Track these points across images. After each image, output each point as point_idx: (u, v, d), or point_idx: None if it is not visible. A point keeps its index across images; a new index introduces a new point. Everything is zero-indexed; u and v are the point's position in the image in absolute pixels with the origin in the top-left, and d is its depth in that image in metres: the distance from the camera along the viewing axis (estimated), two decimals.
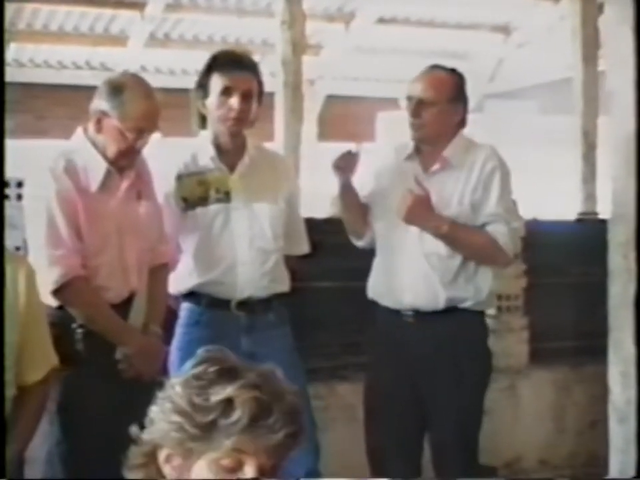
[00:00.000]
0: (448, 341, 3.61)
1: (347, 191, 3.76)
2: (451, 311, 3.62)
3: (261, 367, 1.80)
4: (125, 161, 3.30)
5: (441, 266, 3.60)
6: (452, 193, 3.60)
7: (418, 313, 3.61)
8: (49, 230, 3.19)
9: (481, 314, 3.75)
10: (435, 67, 3.70)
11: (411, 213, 3.51)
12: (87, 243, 3.25)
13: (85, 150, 3.29)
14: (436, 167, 3.63)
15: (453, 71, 3.70)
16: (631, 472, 4.04)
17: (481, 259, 3.63)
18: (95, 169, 3.27)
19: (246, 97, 3.52)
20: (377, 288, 3.73)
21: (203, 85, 3.57)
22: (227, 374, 1.75)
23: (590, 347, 4.88)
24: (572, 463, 5.16)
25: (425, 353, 3.60)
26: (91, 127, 3.28)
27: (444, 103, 3.61)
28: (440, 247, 3.58)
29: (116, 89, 3.24)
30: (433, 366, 3.61)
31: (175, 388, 1.77)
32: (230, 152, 3.61)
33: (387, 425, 3.67)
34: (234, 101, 3.50)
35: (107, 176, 3.29)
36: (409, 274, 3.61)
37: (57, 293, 3.19)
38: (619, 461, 4.13)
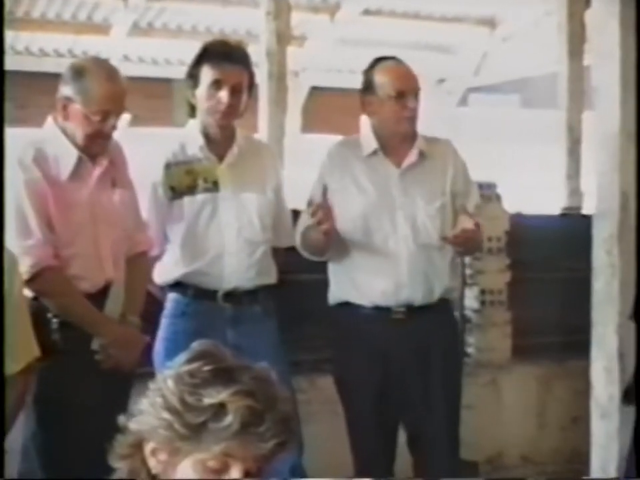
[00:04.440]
0: (439, 332, 3.64)
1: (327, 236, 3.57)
2: (439, 303, 3.65)
3: (256, 368, 1.78)
4: (96, 146, 3.27)
5: (436, 257, 3.61)
6: (433, 184, 3.62)
7: (410, 308, 3.59)
8: (17, 221, 3.16)
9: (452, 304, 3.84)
10: (388, 58, 3.67)
11: (468, 245, 3.57)
12: (58, 232, 3.22)
13: (55, 138, 3.26)
14: (411, 160, 3.62)
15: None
16: (613, 468, 4.04)
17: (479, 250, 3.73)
18: (66, 157, 3.25)
19: (235, 91, 3.50)
20: (355, 289, 3.65)
21: (193, 75, 3.54)
22: (222, 375, 1.73)
23: (573, 342, 4.88)
24: (554, 459, 5.16)
25: (416, 346, 3.59)
26: (59, 114, 3.25)
27: (420, 92, 3.62)
28: (432, 239, 3.59)
29: (77, 73, 3.22)
30: (425, 358, 3.60)
31: (167, 382, 1.74)
32: (219, 142, 3.59)
33: (374, 421, 3.64)
34: (223, 94, 3.48)
35: (78, 164, 3.26)
36: (405, 269, 3.58)
37: (29, 283, 3.16)
38: (600, 456, 4.13)
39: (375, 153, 3.65)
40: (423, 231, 3.58)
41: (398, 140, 3.63)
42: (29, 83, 10.72)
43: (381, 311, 3.61)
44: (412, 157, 3.62)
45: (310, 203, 3.49)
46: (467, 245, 3.55)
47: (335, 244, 3.61)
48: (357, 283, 3.65)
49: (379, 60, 3.66)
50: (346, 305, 3.68)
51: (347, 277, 3.68)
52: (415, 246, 3.58)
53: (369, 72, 3.64)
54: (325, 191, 3.45)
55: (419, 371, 3.61)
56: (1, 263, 2.70)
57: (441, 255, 3.63)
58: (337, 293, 3.72)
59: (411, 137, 3.64)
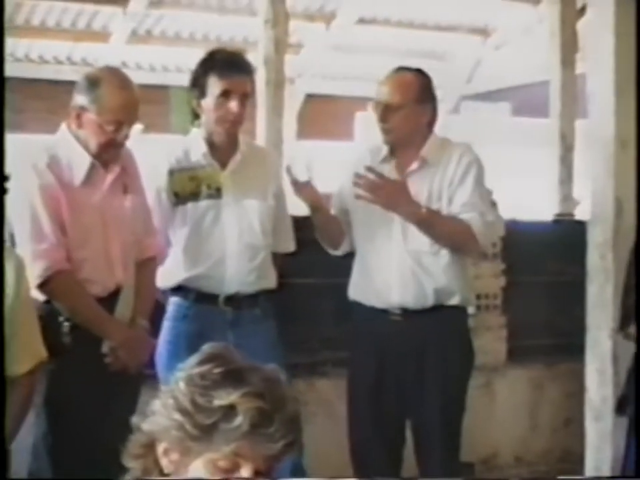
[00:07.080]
0: (436, 338, 3.65)
1: (318, 212, 3.72)
2: (438, 308, 3.66)
3: (265, 369, 1.82)
4: (108, 154, 3.31)
5: (428, 262, 3.64)
6: (430, 189, 3.63)
7: (406, 312, 3.64)
8: (32, 225, 3.20)
9: (464, 310, 3.81)
10: (401, 69, 3.71)
11: (390, 199, 3.52)
12: (70, 236, 3.26)
13: (68, 145, 3.30)
14: (413, 167, 3.66)
15: (419, 71, 3.71)
16: (606, 469, 4.10)
17: (455, 245, 3.65)
18: (79, 163, 3.29)
19: (243, 99, 3.54)
20: (360, 289, 3.75)
21: (198, 85, 3.56)
22: (232, 377, 1.76)
23: (566, 345, 4.95)
24: (546, 459, 5.22)
25: (412, 349, 3.64)
26: (72, 122, 3.30)
27: (411, 105, 3.62)
28: (424, 244, 3.62)
29: (92, 83, 3.26)
30: (421, 362, 3.64)
31: (179, 383, 1.78)
32: (222, 149, 3.63)
33: (371, 421, 3.69)
34: (233, 104, 3.51)
35: (91, 170, 3.30)
36: (395, 273, 3.64)
37: (41, 286, 3.21)
38: (594, 457, 4.19)
39: (385, 159, 3.72)
40: (414, 236, 3.60)
41: (402, 147, 3.69)
42: (27, 89, 10.80)
43: (380, 312, 3.67)
44: (414, 165, 3.66)
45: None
46: (379, 195, 3.51)
47: (347, 242, 3.78)
48: (361, 284, 3.74)
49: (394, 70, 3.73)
50: (355, 304, 3.76)
51: (356, 277, 3.77)
52: (406, 251, 3.63)
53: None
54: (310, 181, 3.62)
55: (414, 372, 3.66)
56: (1, 264, 2.74)
57: (435, 259, 3.65)
58: (350, 291, 3.80)
59: (418, 143, 3.68)
